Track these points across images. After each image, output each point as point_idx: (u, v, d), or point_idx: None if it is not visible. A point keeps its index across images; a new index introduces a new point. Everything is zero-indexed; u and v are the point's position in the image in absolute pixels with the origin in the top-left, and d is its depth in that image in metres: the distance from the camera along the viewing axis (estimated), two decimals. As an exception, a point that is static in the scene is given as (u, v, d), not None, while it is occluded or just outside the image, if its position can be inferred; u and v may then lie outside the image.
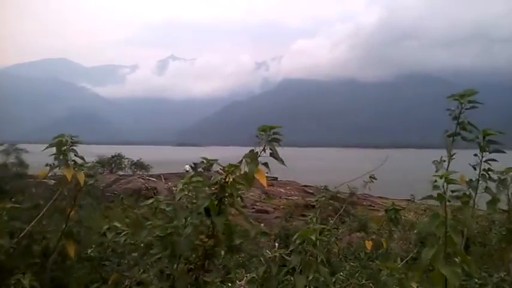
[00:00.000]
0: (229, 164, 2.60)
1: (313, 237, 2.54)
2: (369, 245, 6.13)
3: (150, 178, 30.45)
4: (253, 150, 2.37)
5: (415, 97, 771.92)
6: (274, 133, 2.38)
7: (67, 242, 2.91)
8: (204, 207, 2.46)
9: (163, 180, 29.93)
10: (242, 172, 2.45)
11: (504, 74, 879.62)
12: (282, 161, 2.34)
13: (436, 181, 1.73)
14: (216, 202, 2.50)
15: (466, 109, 2.66)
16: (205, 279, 2.54)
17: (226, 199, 2.54)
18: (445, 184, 1.72)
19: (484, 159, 2.57)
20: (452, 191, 2.23)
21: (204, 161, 2.99)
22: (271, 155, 2.28)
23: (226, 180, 2.54)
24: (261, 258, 3.00)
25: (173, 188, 27.74)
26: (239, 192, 2.57)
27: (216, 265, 2.70)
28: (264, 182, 2.45)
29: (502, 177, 2.46)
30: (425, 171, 2.43)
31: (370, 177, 6.17)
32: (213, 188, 2.54)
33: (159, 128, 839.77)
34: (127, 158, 38.25)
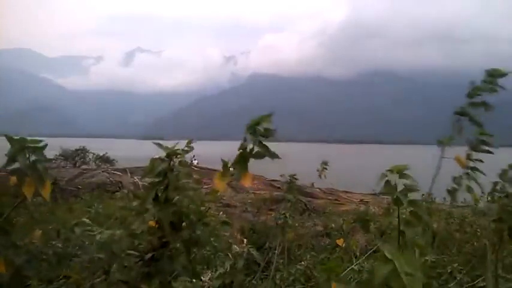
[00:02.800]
0: (166, 146, 2.41)
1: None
2: (340, 242, 6.23)
3: (115, 172, 29.88)
4: (244, 148, 2.06)
5: (380, 94, 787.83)
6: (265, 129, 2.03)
7: None
8: (153, 199, 2.30)
9: (129, 174, 29.46)
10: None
11: (465, 73, 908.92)
12: (276, 156, 2.09)
13: (386, 176, 1.77)
14: (161, 191, 2.31)
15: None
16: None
17: (170, 186, 2.31)
18: (397, 178, 1.77)
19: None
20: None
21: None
22: (257, 154, 1.95)
23: (171, 166, 2.33)
24: (228, 253, 3.01)
25: (139, 182, 27.33)
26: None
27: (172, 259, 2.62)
28: (248, 182, 2.21)
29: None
30: (387, 166, 2.50)
31: (322, 166, 6.26)
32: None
33: (125, 121, 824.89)
34: (91, 152, 37.38)
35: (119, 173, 30.01)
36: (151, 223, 2.35)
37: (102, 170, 29.93)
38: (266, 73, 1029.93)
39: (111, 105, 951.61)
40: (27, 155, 2.12)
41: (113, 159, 38.04)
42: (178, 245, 2.40)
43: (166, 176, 2.33)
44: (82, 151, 36.41)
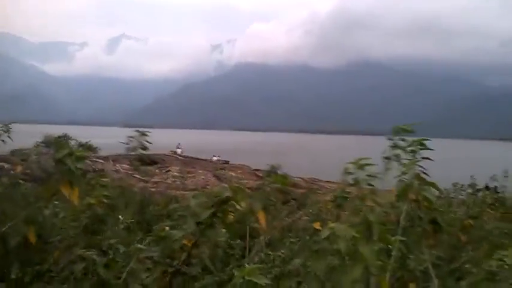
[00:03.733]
0: (238, 186, 2.61)
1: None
2: (317, 225, 6.30)
3: (98, 160, 29.67)
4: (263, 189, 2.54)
5: (367, 85, 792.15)
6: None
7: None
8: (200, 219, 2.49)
9: (112, 162, 29.29)
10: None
11: (456, 66, 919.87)
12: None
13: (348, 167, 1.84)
14: (210, 215, 2.52)
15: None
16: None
17: (220, 214, 2.55)
18: (358, 169, 1.83)
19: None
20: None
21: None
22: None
23: (229, 197, 2.54)
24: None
25: (121, 170, 27.18)
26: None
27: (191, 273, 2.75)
28: (263, 223, 2.56)
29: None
30: (372, 156, 2.56)
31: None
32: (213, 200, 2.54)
33: (110, 108, 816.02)
34: (74, 139, 36.91)
35: (101, 160, 29.77)
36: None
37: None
38: (253, 62, 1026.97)
39: (95, 92, 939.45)
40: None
41: (96, 147, 37.70)
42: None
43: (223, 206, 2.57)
44: (64, 138, 35.98)
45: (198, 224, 2.46)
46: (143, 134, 3.31)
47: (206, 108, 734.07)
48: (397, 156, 2.51)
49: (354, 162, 1.83)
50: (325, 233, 1.63)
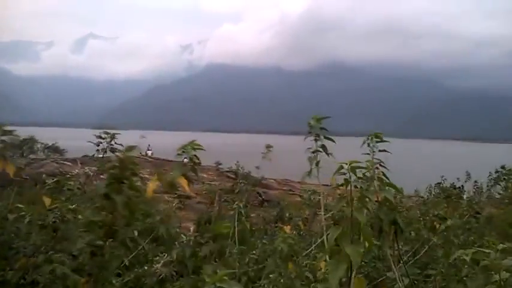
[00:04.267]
0: (127, 145, 2.59)
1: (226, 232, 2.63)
2: (287, 228, 6.37)
3: (65, 162, 28.96)
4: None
5: (336, 87, 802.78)
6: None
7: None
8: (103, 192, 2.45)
9: (79, 165, 28.70)
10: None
11: (419, 68, 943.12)
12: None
13: (342, 167, 1.88)
14: (114, 184, 2.49)
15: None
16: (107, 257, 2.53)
17: (125, 181, 2.52)
18: (350, 169, 1.88)
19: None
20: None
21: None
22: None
23: (124, 163, 2.52)
24: (176, 242, 3.04)
25: (90, 173, 26.59)
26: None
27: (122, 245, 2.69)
28: (187, 188, 2.54)
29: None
30: (341, 158, 2.61)
31: (267, 150, 6.40)
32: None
33: (77, 109, 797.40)
34: (40, 142, 35.87)
35: (68, 163, 29.08)
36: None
37: (51, 160, 28.86)
38: (224, 63, 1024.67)
39: (62, 92, 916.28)
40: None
41: (63, 149, 36.78)
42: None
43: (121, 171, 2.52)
44: (30, 140, 34.92)
45: (106, 197, 2.45)
46: (112, 136, 3.27)
47: (177, 110, 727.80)
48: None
49: (344, 163, 1.89)
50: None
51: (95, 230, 2.47)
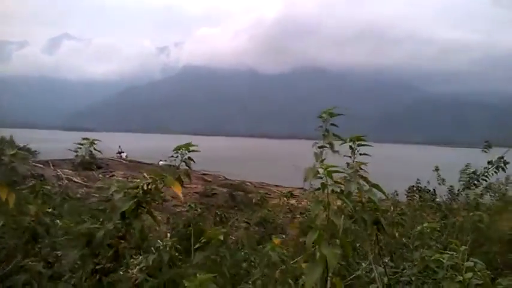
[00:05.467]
0: (156, 172, 2.57)
1: (221, 237, 2.63)
2: (277, 241, 6.38)
3: (37, 164, 28.32)
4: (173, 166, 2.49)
5: (311, 90, 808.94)
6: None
7: None
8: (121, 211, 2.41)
9: (52, 167, 28.13)
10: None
11: (393, 72, 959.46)
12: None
13: (318, 172, 1.91)
14: (134, 206, 2.45)
15: (331, 124, 2.99)
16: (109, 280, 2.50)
17: (144, 204, 2.50)
18: (326, 174, 1.91)
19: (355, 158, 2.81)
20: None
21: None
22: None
23: (150, 187, 2.49)
24: (152, 248, 3.01)
25: (62, 175, 26.07)
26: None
27: (122, 266, 2.67)
28: (180, 193, 2.54)
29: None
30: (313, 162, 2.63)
31: None
32: (134, 191, 2.48)
33: (50, 110, 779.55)
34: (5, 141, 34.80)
35: (41, 165, 28.43)
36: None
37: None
38: (200, 65, 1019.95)
39: (35, 93, 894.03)
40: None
41: (35, 151, 35.95)
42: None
43: (146, 195, 2.60)
44: (1, 142, 34.03)
45: (123, 217, 2.41)
46: (92, 142, 3.22)
47: (151, 112, 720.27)
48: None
49: (321, 166, 1.91)
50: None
51: (103, 250, 2.43)
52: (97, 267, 2.48)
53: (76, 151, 3.19)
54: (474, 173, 9.10)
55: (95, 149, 3.24)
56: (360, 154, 2.77)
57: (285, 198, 14.16)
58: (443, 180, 9.80)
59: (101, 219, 2.58)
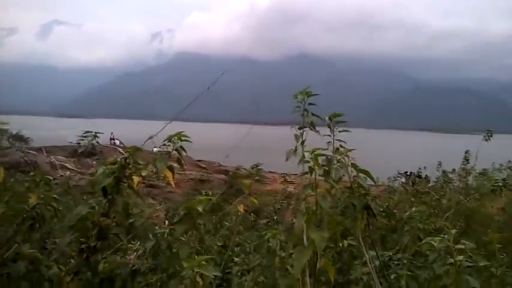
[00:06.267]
0: (132, 145, 2.58)
1: (200, 208, 2.64)
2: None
3: (30, 151, 28.15)
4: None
5: (304, 78, 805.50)
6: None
7: None
8: (102, 186, 2.42)
9: (45, 154, 27.99)
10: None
11: (384, 59, 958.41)
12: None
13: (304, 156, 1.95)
14: (114, 182, 2.48)
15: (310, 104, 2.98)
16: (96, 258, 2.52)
17: (125, 179, 2.52)
18: (314, 158, 1.96)
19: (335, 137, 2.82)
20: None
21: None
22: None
23: (128, 161, 2.51)
24: (150, 234, 3.05)
25: (55, 162, 25.97)
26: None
27: (110, 244, 2.69)
28: (171, 180, 2.56)
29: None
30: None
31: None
32: (113, 166, 2.49)
33: (42, 97, 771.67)
34: (4, 129, 34.66)
35: (34, 152, 28.30)
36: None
37: (16, 148, 27.98)
38: (192, 52, 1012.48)
39: (26, 80, 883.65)
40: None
41: (28, 138, 35.73)
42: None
43: (124, 169, 2.59)
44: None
45: (105, 194, 2.44)
46: (95, 135, 3.24)
47: (144, 98, 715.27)
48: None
49: (309, 151, 1.95)
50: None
51: (85, 228, 2.45)
52: (82, 245, 2.50)
53: (78, 143, 3.18)
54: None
55: (96, 138, 3.25)
56: (339, 131, 2.78)
57: (283, 184, 14.22)
58: (440, 164, 9.94)
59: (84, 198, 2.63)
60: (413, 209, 4.53)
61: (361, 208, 2.60)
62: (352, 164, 2.57)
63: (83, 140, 3.07)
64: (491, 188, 5.25)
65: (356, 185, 2.58)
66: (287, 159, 2.33)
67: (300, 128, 2.83)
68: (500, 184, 5.21)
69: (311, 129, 2.80)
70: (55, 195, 3.37)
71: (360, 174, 2.62)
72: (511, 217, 5.98)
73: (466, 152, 9.71)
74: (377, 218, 2.80)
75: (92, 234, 2.48)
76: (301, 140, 2.65)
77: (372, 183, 2.84)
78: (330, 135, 2.78)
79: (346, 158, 2.59)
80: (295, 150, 2.47)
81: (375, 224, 4.57)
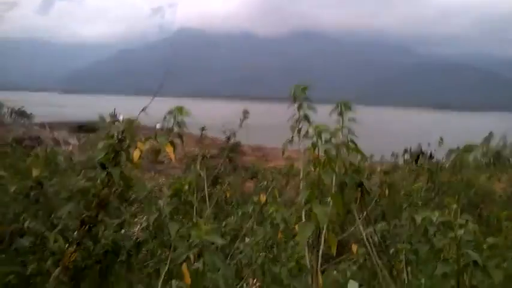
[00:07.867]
0: (129, 117, 2.59)
1: (186, 187, 2.68)
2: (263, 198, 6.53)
3: (34, 127, 28.26)
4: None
5: (306, 53, 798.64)
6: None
7: None
8: (100, 161, 2.45)
9: (48, 129, 28.08)
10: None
11: (391, 35, 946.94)
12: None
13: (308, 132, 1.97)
14: (112, 155, 2.49)
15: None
16: (97, 228, 2.56)
17: (122, 152, 2.53)
18: (317, 134, 1.97)
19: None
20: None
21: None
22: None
23: (124, 134, 2.52)
24: (153, 209, 3.08)
25: (59, 138, 26.02)
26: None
27: (110, 216, 2.72)
28: (172, 156, 2.57)
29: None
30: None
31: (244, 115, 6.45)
32: (110, 141, 2.50)
33: (42, 73, 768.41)
34: (6, 106, 34.68)
35: (36, 127, 28.38)
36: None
37: (20, 124, 28.04)
38: (195, 27, 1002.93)
39: (27, 55, 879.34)
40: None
41: (30, 113, 35.79)
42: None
43: (121, 142, 2.59)
44: (-5, 104, 33.73)
45: (103, 168, 2.46)
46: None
47: (147, 74, 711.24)
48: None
49: (314, 127, 1.97)
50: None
51: (86, 199, 2.48)
52: (83, 216, 2.54)
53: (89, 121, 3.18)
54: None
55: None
56: (348, 120, 2.79)
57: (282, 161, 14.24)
58: (441, 140, 9.91)
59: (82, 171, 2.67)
60: (415, 185, 4.56)
61: (352, 185, 2.63)
62: (343, 142, 2.58)
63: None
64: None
65: (349, 163, 2.60)
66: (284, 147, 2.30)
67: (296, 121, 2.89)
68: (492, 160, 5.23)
69: (307, 122, 2.86)
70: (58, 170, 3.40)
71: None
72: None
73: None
74: (370, 194, 2.81)
75: (92, 206, 2.51)
76: (297, 128, 2.69)
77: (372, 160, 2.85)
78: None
79: (340, 135, 2.60)
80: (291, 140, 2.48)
81: (369, 202, 4.61)
